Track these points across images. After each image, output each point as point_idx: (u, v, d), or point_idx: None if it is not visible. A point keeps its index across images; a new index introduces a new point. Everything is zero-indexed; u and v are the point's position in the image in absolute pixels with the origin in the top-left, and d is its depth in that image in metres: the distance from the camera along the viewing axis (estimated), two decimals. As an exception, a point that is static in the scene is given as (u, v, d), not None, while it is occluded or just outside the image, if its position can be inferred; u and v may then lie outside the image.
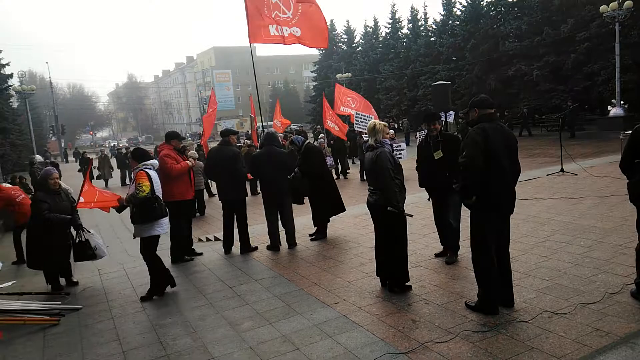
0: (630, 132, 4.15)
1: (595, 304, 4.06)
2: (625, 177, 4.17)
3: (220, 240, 7.43)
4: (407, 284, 4.82)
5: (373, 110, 18.73)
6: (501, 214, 4.09)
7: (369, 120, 13.33)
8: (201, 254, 7.02)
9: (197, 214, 11.34)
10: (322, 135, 17.42)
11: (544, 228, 6.50)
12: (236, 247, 6.98)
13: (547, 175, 10.54)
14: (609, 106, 21.62)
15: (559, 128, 12.04)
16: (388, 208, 4.55)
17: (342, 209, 7.31)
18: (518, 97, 28.21)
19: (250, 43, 7.70)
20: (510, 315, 4.01)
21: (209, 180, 12.30)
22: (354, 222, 7.94)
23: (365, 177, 5.15)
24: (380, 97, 39.62)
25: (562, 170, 10.53)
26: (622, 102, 21.28)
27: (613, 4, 20.25)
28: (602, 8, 20.73)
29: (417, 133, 17.16)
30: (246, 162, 13.21)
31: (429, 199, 8.69)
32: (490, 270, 4.04)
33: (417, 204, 8.60)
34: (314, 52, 55.46)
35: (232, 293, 5.30)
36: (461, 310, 4.21)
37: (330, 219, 7.39)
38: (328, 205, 7.16)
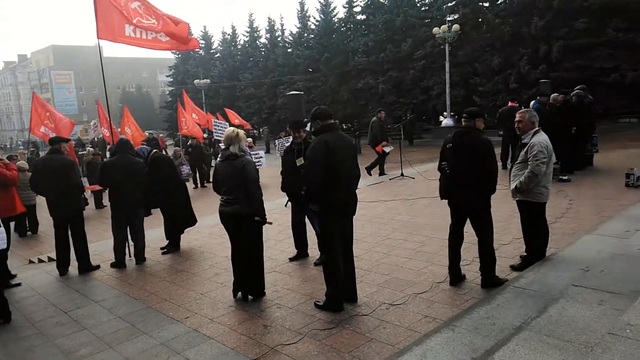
0: None
1: (425, 293, 4.55)
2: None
3: (55, 260, 6.62)
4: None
5: (237, 116, 18.51)
6: (345, 217, 4.35)
7: (225, 128, 13.19)
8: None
9: (29, 232, 10.01)
10: (191, 142, 16.48)
11: (386, 227, 7.10)
12: (74, 267, 6.30)
13: (390, 179, 11.57)
14: (441, 117, 24.66)
15: (399, 137, 13.34)
16: (256, 218, 4.55)
17: (192, 222, 7.10)
18: (367, 108, 30.53)
19: (98, 39, 6.98)
20: (353, 310, 4.28)
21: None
22: (210, 232, 7.74)
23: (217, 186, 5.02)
24: (241, 105, 39.52)
25: (402, 174, 11.65)
26: (452, 114, 24.43)
27: (443, 27, 23.22)
28: (435, 30, 23.62)
29: (276, 141, 17.43)
30: (90, 171, 12.07)
31: (286, 205, 8.91)
32: (337, 270, 4.27)
33: (274, 210, 8.74)
34: (169, 55, 53.18)
35: (67, 318, 4.76)
36: (311, 311, 4.37)
37: (185, 230, 7.12)
38: (180, 216, 6.88)
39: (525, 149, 4.68)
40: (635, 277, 4.03)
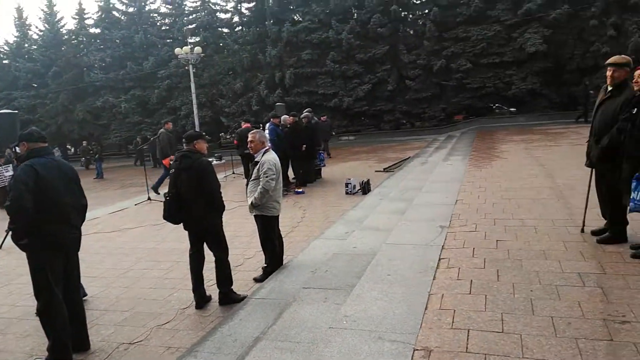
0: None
1: (169, 322, 4.32)
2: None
3: None
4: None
5: None
6: (64, 253, 3.76)
7: None
8: None
9: None
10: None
11: (129, 258, 6.54)
12: None
13: (136, 204, 10.82)
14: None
15: (149, 158, 12.70)
16: None
17: None
18: (109, 129, 28.19)
19: None
20: (85, 360, 3.74)
21: None
22: None
23: None
24: None
25: (149, 198, 11.03)
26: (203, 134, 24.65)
27: (185, 48, 23.13)
28: (177, 50, 23.35)
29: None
30: None
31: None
32: (55, 317, 3.65)
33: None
34: None
35: None
36: (28, 374, 3.62)
37: None
38: None
39: (257, 167, 4.97)
40: (351, 272, 4.68)
